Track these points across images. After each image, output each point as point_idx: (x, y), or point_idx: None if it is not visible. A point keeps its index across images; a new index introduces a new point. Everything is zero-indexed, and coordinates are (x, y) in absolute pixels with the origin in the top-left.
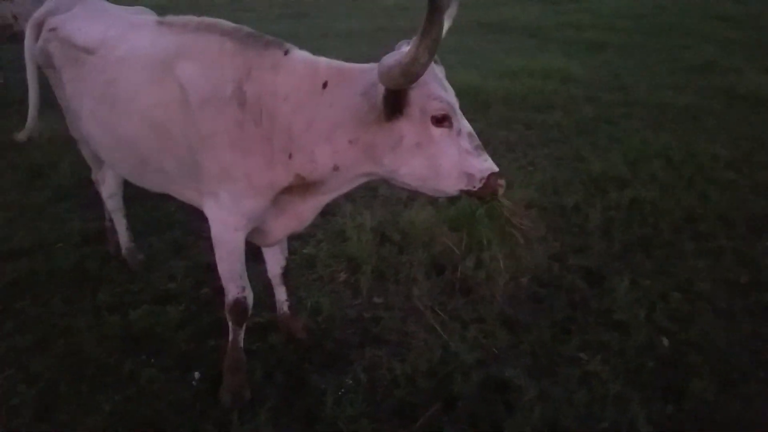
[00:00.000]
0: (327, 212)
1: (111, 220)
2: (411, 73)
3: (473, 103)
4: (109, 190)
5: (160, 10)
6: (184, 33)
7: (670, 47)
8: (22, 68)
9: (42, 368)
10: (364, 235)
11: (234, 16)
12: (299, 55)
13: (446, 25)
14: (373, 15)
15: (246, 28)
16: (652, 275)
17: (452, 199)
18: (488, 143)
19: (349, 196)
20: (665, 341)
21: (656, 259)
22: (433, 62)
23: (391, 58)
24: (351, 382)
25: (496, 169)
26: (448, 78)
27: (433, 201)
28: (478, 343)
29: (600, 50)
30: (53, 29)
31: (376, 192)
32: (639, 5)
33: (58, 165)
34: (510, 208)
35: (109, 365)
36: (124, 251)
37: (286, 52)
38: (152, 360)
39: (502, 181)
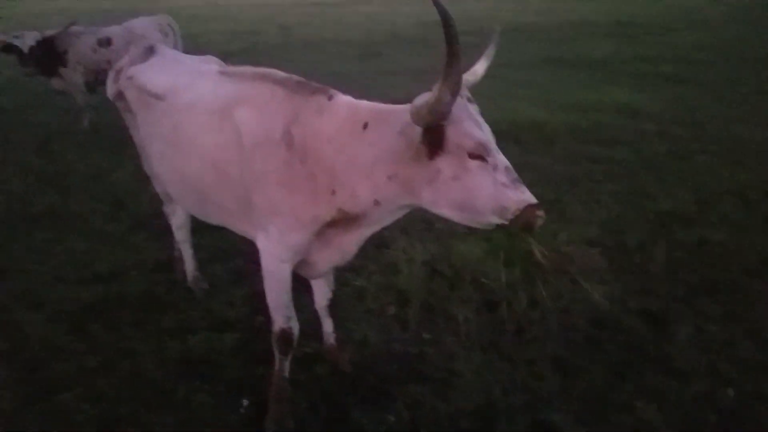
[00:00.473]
0: (380, 244)
1: (179, 250)
2: (437, 111)
3: (538, 137)
4: (177, 222)
5: (239, 55)
6: (241, 82)
7: (750, 81)
8: (115, 109)
9: (106, 388)
10: (415, 269)
11: (309, 58)
12: (342, 99)
13: (484, 64)
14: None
15: (296, 77)
16: (719, 321)
17: (500, 233)
18: (551, 178)
19: (403, 229)
20: (730, 392)
21: (724, 303)
22: (467, 101)
23: (420, 99)
24: (393, 418)
25: (534, 201)
26: (513, 112)
27: (487, 236)
28: (527, 385)
29: (675, 84)
30: (130, 77)
31: (431, 225)
32: (719, 38)
33: (138, 197)
34: (538, 246)
35: (166, 388)
36: (189, 279)
37: (330, 98)
38: (205, 385)
39: (541, 212)
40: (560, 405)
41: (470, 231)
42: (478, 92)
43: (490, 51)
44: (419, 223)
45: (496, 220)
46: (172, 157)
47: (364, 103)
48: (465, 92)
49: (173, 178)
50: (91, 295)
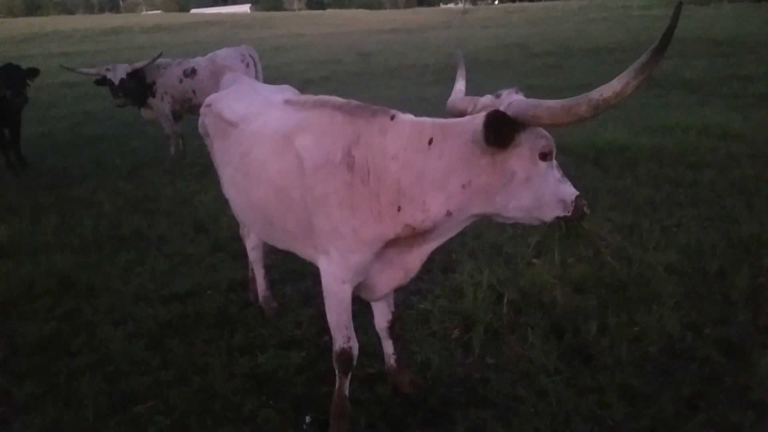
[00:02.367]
0: (447, 269)
1: (252, 270)
2: (608, 106)
3: (619, 160)
4: (251, 243)
5: (320, 83)
6: (303, 110)
7: None
8: (199, 136)
9: (179, 401)
10: (481, 293)
11: (388, 84)
12: (405, 118)
13: (462, 82)
14: (526, 75)
15: (355, 102)
16: None
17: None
18: (630, 202)
19: (470, 253)
20: None
21: None
22: None
23: (558, 103)
24: None
25: (578, 192)
26: (594, 134)
27: (561, 262)
28: (593, 413)
29: None
30: (209, 105)
31: (499, 249)
32: None
33: (218, 220)
34: (591, 227)
35: (234, 403)
36: (260, 299)
37: (392, 117)
38: (271, 401)
39: (585, 202)
40: None
41: (538, 255)
42: None
43: (462, 70)
44: (487, 247)
45: (559, 212)
46: (241, 182)
47: (427, 119)
48: (521, 93)
49: (242, 203)
50: (169, 313)
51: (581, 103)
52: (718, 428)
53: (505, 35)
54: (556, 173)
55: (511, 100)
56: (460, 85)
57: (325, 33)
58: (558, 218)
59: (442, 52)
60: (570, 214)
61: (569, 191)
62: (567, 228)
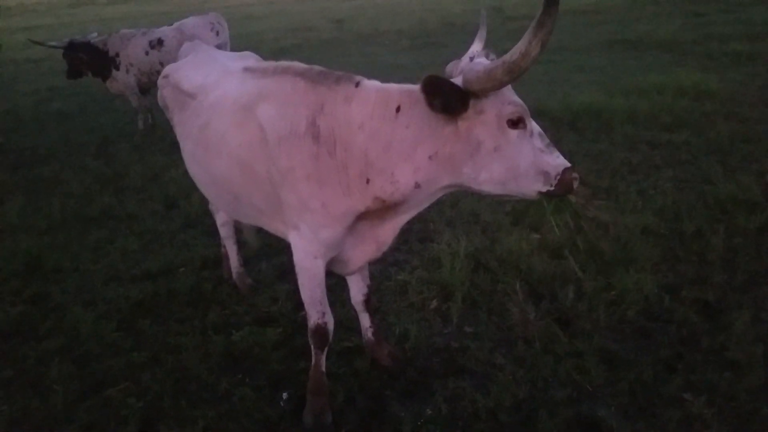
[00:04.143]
0: (424, 238)
1: (225, 247)
2: (519, 69)
3: (596, 122)
4: (221, 219)
5: (292, 51)
6: (264, 78)
7: None
8: None
9: (151, 383)
10: (458, 262)
11: (362, 51)
12: (370, 84)
13: (479, 45)
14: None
15: (317, 68)
16: None
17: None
18: (608, 165)
19: (448, 222)
20: None
21: None
22: None
23: (481, 66)
24: (431, 412)
25: (568, 164)
26: (570, 97)
27: (536, 227)
28: (571, 379)
29: (746, 63)
30: (166, 76)
31: (477, 218)
32: None
33: (190, 196)
34: (581, 200)
35: (209, 383)
36: (234, 275)
37: (357, 84)
38: (247, 379)
39: (576, 175)
40: (605, 399)
41: (517, 223)
42: (534, 78)
43: (482, 32)
44: (465, 216)
45: (540, 187)
46: (202, 157)
47: (394, 86)
48: (493, 56)
49: (205, 179)
50: (140, 293)
51: (497, 66)
52: (697, 389)
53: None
54: (538, 142)
55: (475, 63)
56: (475, 47)
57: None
58: (540, 193)
59: (416, 17)
60: (553, 188)
61: (555, 163)
62: (554, 204)
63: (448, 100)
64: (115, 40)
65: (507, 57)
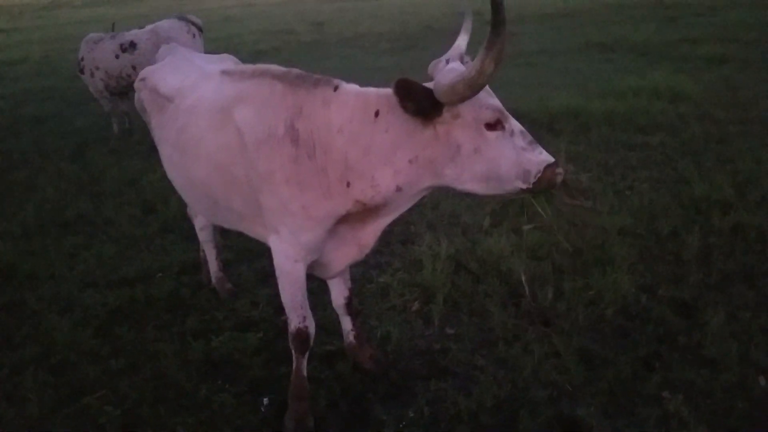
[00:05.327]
0: (405, 240)
1: (204, 251)
2: (477, 85)
3: (573, 124)
4: (200, 223)
5: (272, 54)
6: (241, 81)
7: None
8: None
9: (129, 390)
10: (439, 264)
11: (342, 54)
12: (349, 88)
13: (465, 38)
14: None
15: (296, 70)
16: (753, 308)
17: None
18: (584, 166)
19: (429, 224)
20: (762, 381)
21: (759, 290)
22: None
23: (448, 76)
24: (413, 414)
25: (552, 159)
26: (548, 100)
27: (515, 229)
28: (551, 379)
29: (719, 65)
30: (143, 79)
31: (457, 219)
32: (765, 17)
33: (168, 201)
34: (567, 198)
35: (188, 390)
36: (213, 280)
37: (335, 88)
38: (227, 385)
39: (560, 170)
40: (585, 398)
41: (497, 224)
42: (512, 81)
43: (468, 25)
44: (446, 217)
45: (520, 185)
46: (179, 161)
47: (373, 89)
48: (468, 60)
49: (183, 183)
50: (118, 299)
51: (458, 82)
52: (674, 387)
53: (460, 2)
54: (519, 141)
55: (447, 70)
56: (459, 42)
57: (277, 2)
58: (522, 191)
59: (397, 20)
60: (532, 185)
61: (537, 160)
62: (539, 200)
63: (420, 103)
64: (83, 43)
65: (466, 73)
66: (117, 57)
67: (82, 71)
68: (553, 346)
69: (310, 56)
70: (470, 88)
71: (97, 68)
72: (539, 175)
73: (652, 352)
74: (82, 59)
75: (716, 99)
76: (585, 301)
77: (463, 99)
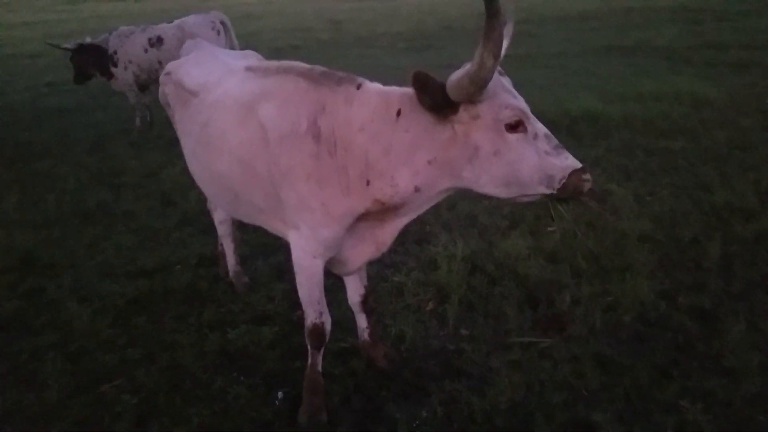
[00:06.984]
0: (421, 240)
1: (222, 245)
2: (480, 79)
3: (592, 128)
4: (219, 217)
5: (290, 52)
6: (265, 77)
7: None
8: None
9: (146, 380)
10: (455, 265)
11: (359, 53)
12: (372, 87)
13: (506, 42)
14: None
15: (320, 68)
16: None
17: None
18: (604, 171)
19: (445, 225)
20: None
21: None
22: (499, 74)
23: (457, 73)
24: (426, 414)
25: (578, 165)
26: (568, 102)
27: (533, 231)
28: (567, 383)
29: (742, 71)
30: (168, 73)
31: (474, 221)
32: None
33: (186, 194)
34: (593, 205)
35: (203, 381)
36: (231, 274)
37: (358, 86)
38: (242, 377)
39: (587, 176)
40: (601, 403)
41: (515, 227)
42: (532, 82)
43: (509, 27)
44: (462, 219)
45: (543, 190)
46: (202, 155)
47: (395, 89)
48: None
49: (205, 177)
50: (136, 289)
51: (463, 77)
52: (692, 396)
53: (478, 3)
54: (543, 144)
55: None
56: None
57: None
58: (545, 196)
59: (414, 19)
60: (556, 192)
61: (562, 165)
62: (564, 205)
63: (435, 98)
64: (114, 37)
65: (469, 68)
66: (146, 51)
67: (115, 64)
68: (569, 351)
69: (327, 54)
70: (473, 83)
71: (130, 62)
72: (564, 180)
73: (670, 360)
74: (115, 53)
75: (740, 105)
76: (603, 306)
77: (469, 95)
